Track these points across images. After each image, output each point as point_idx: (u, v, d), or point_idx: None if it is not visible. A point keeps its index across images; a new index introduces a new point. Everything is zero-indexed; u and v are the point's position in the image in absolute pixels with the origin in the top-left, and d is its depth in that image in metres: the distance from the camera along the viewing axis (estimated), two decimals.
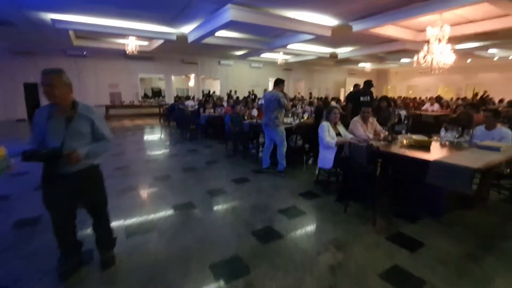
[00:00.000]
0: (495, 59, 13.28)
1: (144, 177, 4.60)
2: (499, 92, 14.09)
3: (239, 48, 12.33)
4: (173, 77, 15.94)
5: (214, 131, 8.08)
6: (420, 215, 3.10)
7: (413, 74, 18.84)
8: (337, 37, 9.60)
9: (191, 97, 13.63)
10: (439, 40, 7.55)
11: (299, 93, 17.16)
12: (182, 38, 9.72)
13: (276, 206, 3.41)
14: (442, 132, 3.58)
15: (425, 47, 7.87)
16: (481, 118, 4.35)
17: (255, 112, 6.45)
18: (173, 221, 3.06)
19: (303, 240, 2.66)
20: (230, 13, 6.79)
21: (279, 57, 13.20)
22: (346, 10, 7.19)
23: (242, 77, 16.17)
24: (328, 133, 3.68)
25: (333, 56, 12.81)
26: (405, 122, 6.15)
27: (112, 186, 4.06)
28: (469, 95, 15.04)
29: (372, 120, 4.03)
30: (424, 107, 9.44)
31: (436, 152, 3.12)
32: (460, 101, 11.60)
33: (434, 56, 7.77)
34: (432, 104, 9.30)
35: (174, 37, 9.68)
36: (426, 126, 8.50)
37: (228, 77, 15.95)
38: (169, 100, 14.46)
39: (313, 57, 13.03)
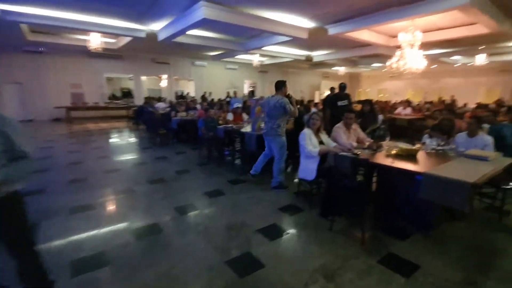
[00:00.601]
0: (457, 65, 13.98)
1: (103, 192, 3.98)
2: (461, 97, 14.87)
3: (214, 49, 11.82)
4: (144, 78, 15.01)
5: (187, 136, 7.51)
6: (409, 230, 2.86)
7: (384, 78, 19.45)
8: (313, 40, 9.47)
9: (163, 99, 12.87)
10: (411, 46, 7.65)
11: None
12: (152, 36, 9.04)
13: (254, 225, 3.01)
14: (427, 140, 3.40)
15: (398, 52, 7.95)
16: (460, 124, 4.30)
17: (230, 116, 6.01)
18: (133, 251, 2.54)
19: (287, 270, 2.28)
20: (203, 11, 6.31)
21: (255, 59, 12.88)
22: (323, 13, 7.02)
23: (217, 79, 15.64)
24: (310, 142, 3.35)
25: (309, 59, 12.73)
26: (383, 126, 6.10)
27: (61, 205, 3.45)
28: (435, 99, 15.76)
29: (355, 126, 3.79)
30: (397, 111, 9.58)
31: (424, 163, 2.91)
32: (428, 105, 12.01)
33: (406, 61, 7.86)
34: (404, 108, 9.45)
35: (143, 35, 8.96)
36: (401, 130, 8.59)
37: (203, 78, 15.34)
38: (139, 101, 13.55)
39: (289, 60, 12.87)
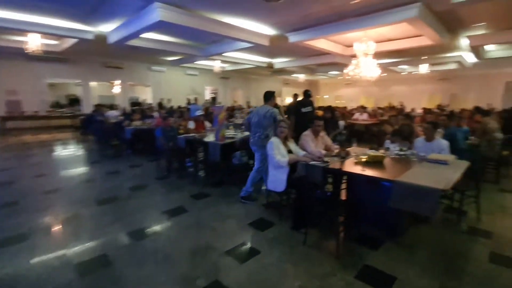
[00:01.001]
0: (404, 73, 15.26)
1: (39, 218, 3.34)
2: (407, 102, 16.24)
3: (172, 53, 11.27)
4: (94, 83, 13.74)
5: (143, 147, 6.89)
6: (380, 238, 2.81)
7: (340, 85, 20.51)
8: (274, 47, 9.53)
9: (115, 106, 11.88)
10: (366, 55, 8.08)
11: (235, 101, 16.77)
12: (102, 38, 8.26)
13: (222, 246, 2.71)
14: (391, 146, 3.45)
15: (354, 61, 8.34)
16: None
17: (191, 125, 5.62)
18: None
19: None
20: (159, 12, 5.90)
21: (216, 65, 12.60)
22: (283, 20, 7.06)
23: (177, 85, 14.97)
24: (279, 151, 3.18)
25: (270, 66, 12.82)
26: (344, 132, 6.25)
27: None
28: (385, 105, 16.98)
29: (323, 133, 3.72)
30: (354, 116, 10.01)
31: (391, 169, 2.91)
32: (381, 111, 12.83)
33: (361, 69, 8.27)
34: (361, 114, 9.92)
35: (91, 37, 8.15)
36: (359, 135, 8.96)
37: (161, 84, 14.56)
38: (88, 109, 12.33)
39: (251, 66, 12.83)
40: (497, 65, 12.85)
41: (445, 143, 3.56)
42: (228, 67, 14.09)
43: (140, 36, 8.23)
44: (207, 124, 5.95)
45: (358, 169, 2.79)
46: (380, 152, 3.38)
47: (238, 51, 10.07)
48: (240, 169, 4.43)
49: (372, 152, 3.08)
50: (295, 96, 8.39)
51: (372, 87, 18.54)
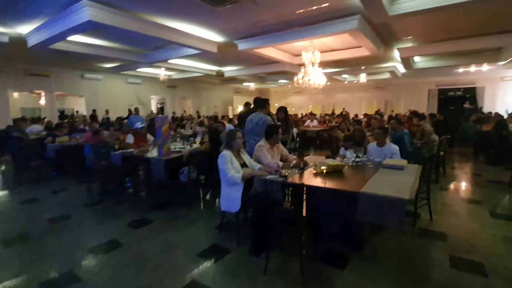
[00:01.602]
0: (346, 82, 16.35)
1: None
2: (349, 109, 17.43)
3: (110, 60, 10.14)
4: (15, 94, 11.67)
5: (72, 167, 5.82)
6: (345, 254, 2.61)
7: (289, 93, 21.14)
8: (223, 55, 9.25)
9: (43, 120, 10.19)
10: (313, 64, 8.31)
11: (184, 111, 15.93)
12: (19, 41, 6.98)
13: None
14: (347, 153, 3.35)
15: (302, 69, 8.52)
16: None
17: (130, 139, 4.90)
18: None
19: None
20: (87, 11, 5.12)
21: (161, 72, 11.78)
22: (231, 27, 6.81)
23: (116, 94, 13.56)
24: (232, 165, 2.80)
25: (220, 74, 12.47)
26: (298, 139, 6.21)
27: None
28: (330, 111, 17.98)
29: (279, 143, 3.46)
30: (306, 124, 10.20)
31: (352, 179, 2.76)
32: (328, 117, 13.45)
33: (310, 77, 8.48)
34: (312, 120, 10.16)
35: (6, 39, 6.83)
36: (311, 141, 9.11)
37: (97, 93, 13.02)
38: (5, 123, 10.33)
39: (199, 74, 12.29)
40: (422, 75, 14.54)
41: (395, 147, 3.61)
42: (175, 75, 13.31)
43: (68, 39, 7.19)
44: (151, 137, 5.28)
45: (319, 182, 2.56)
46: (338, 160, 3.25)
47: (185, 58, 9.52)
48: (189, 186, 3.91)
49: (331, 162, 2.90)
50: (247, 104, 8.16)
51: (319, 95, 19.48)
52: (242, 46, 7.95)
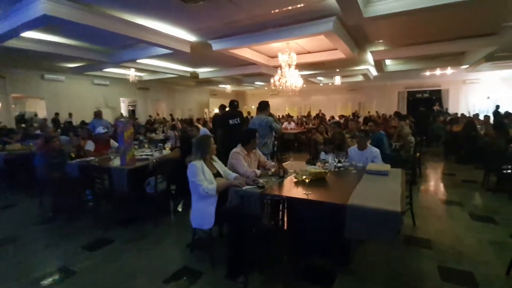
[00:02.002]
0: (321, 84, 16.51)
1: None
2: (325, 111, 17.63)
3: (73, 59, 9.31)
4: None
5: (24, 178, 5.09)
6: (332, 271, 2.36)
7: (266, 95, 20.96)
8: (197, 56, 8.87)
9: None
10: (289, 66, 8.16)
11: (158, 114, 15.16)
12: None
13: None
14: (329, 158, 3.14)
15: (279, 71, 8.35)
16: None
17: (90, 146, 4.34)
18: None
19: None
20: (42, 5, 4.54)
21: (131, 73, 11.07)
22: (205, 27, 6.46)
23: (81, 97, 12.54)
24: (204, 176, 2.46)
25: (194, 76, 11.99)
26: (276, 142, 5.99)
27: None
28: (306, 113, 18.10)
29: (256, 149, 3.16)
30: (283, 126, 10.02)
31: (336, 187, 2.54)
32: (304, 119, 13.44)
33: (287, 79, 8.33)
34: (289, 123, 10.01)
35: None
36: (289, 143, 8.94)
37: (59, 96, 11.95)
38: None
39: (173, 76, 11.72)
40: (392, 77, 15.04)
41: (376, 150, 3.47)
42: (146, 76, 12.61)
43: (24, 36, 6.48)
44: (115, 144, 4.75)
45: (301, 192, 2.29)
46: (319, 166, 3.02)
47: (156, 58, 8.99)
48: (157, 199, 3.48)
49: (313, 169, 2.65)
50: (222, 107, 7.81)
51: (295, 97, 19.54)
52: (216, 46, 7.60)
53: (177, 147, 3.82)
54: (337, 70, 12.30)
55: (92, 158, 4.08)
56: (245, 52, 8.60)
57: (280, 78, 8.36)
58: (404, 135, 5.01)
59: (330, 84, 15.97)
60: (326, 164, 3.06)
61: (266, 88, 18.24)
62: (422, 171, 5.61)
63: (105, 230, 3.25)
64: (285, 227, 2.25)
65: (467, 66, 11.43)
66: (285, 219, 2.24)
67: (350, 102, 18.88)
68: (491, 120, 7.91)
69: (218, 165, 2.73)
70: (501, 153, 4.55)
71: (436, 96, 16.54)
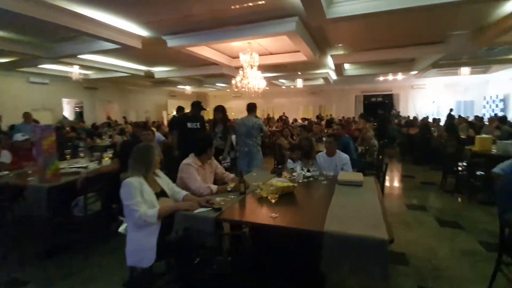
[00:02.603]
0: (283, 87, 16.49)
1: None
2: (287, 113, 17.69)
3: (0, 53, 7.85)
4: None
5: None
6: None
7: (229, 97, 20.45)
8: (152, 54, 8.10)
9: None
10: (251, 67, 7.79)
11: (109, 117, 13.71)
12: None
13: None
14: (297, 167, 2.75)
15: (241, 72, 7.95)
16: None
17: (6, 157, 3.40)
18: None
19: None
20: None
21: (74, 71, 9.75)
22: (158, 20, 5.76)
23: (14, 97, 10.74)
24: (142, 198, 1.88)
25: (149, 75, 11.01)
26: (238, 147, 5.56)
27: None
28: (266, 116, 17.97)
29: (211, 159, 2.65)
30: None
31: (307, 204, 2.15)
32: (265, 121, 13.19)
33: (249, 80, 7.95)
34: None
35: None
36: None
37: None
38: None
39: (125, 75, 10.61)
40: (350, 82, 15.58)
41: (345, 156, 3.19)
42: (93, 74, 11.27)
43: None
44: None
45: (266, 215, 1.84)
46: (286, 176, 2.62)
47: (103, 54, 7.98)
48: (89, 224, 2.76)
49: (280, 182, 2.23)
50: (180, 109, 7.13)
51: (258, 99, 19.29)
52: (172, 43, 6.90)
53: (117, 157, 3.11)
54: (299, 73, 12.29)
55: (7, 172, 3.20)
56: (204, 51, 8.02)
57: (242, 79, 7.95)
58: (367, 139, 4.91)
59: (292, 87, 16.01)
60: (294, 174, 2.67)
61: (228, 90, 17.73)
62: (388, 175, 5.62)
63: (18, 267, 2.46)
64: (249, 261, 1.79)
65: (416, 72, 12.23)
66: (249, 250, 1.78)
67: (311, 105, 19.22)
68: (441, 122, 8.37)
69: (163, 181, 2.16)
70: (454, 155, 4.65)
71: (388, 100, 17.58)
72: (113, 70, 10.22)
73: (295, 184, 2.26)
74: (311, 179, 2.69)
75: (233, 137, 6.03)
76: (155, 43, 7.09)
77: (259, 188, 2.20)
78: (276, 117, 16.19)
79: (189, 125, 4.87)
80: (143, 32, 6.51)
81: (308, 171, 2.75)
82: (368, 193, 2.23)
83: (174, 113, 15.33)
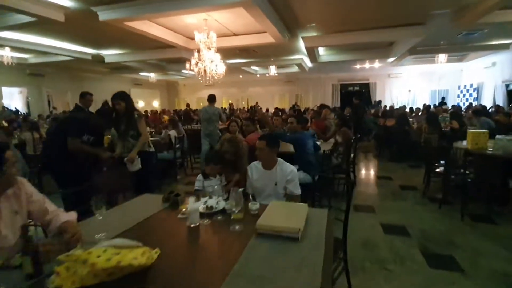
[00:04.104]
0: (258, 75, 15.22)
1: None
2: (262, 103, 16.55)
3: None
4: None
5: None
6: None
7: (200, 86, 18.83)
8: (98, 33, 6.90)
9: None
10: (208, 48, 6.52)
11: (54, 108, 11.87)
12: None
13: None
14: (207, 186, 1.61)
15: (196, 54, 6.66)
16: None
17: None
18: None
19: None
20: None
21: (5, 53, 8.08)
22: None
23: None
24: None
25: (98, 59, 9.39)
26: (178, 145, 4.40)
27: None
28: (245, 106, 16.80)
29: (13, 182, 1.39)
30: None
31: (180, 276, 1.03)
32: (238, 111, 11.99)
33: (205, 64, 6.68)
34: None
35: None
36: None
37: None
38: None
39: (69, 58, 8.94)
40: (326, 70, 14.59)
41: (292, 170, 2.06)
42: (32, 58, 9.50)
43: None
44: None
45: None
46: (183, 211, 1.48)
47: (20, 30, 6.43)
48: None
49: (123, 243, 1.06)
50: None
51: (231, 88, 18.01)
52: (104, 15, 5.47)
53: None
54: (272, 59, 11.09)
55: None
56: (153, 29, 6.63)
57: (197, 62, 6.66)
58: (346, 135, 3.83)
59: (267, 75, 14.76)
60: (190, 208, 1.51)
61: (200, 79, 16.21)
62: (356, 174, 4.61)
63: None
64: None
65: (393, 59, 11.38)
66: None
67: (288, 94, 18.14)
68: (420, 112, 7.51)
69: None
70: (438, 151, 3.73)
71: (365, 89, 16.82)
72: (53, 54, 8.55)
73: (154, 255, 1.09)
74: (220, 217, 1.55)
75: (172, 132, 4.81)
76: (83, 16, 5.66)
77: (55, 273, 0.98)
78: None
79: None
80: (67, 1, 5.08)
81: (226, 199, 1.62)
82: (313, 252, 1.13)
83: (141, 103, 13.72)
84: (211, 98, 5.67)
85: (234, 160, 2.04)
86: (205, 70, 6.78)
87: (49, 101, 13.25)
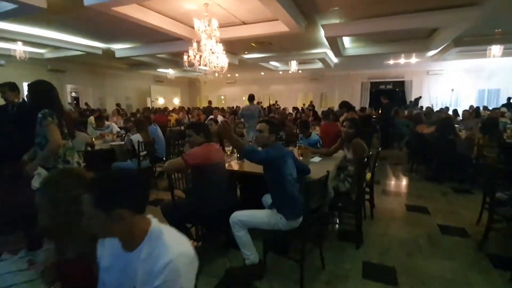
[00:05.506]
0: (280, 72, 13.95)
1: None
2: (285, 101, 15.34)
3: None
4: None
5: None
6: None
7: (222, 84, 18.19)
8: (102, 25, 6.42)
9: None
10: (210, 37, 5.56)
11: (86, 104, 11.76)
12: None
13: None
14: None
15: (195, 45, 5.73)
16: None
17: None
18: None
19: None
20: None
21: (17, 48, 7.94)
22: None
23: None
24: None
25: (109, 53, 8.93)
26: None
27: None
28: (266, 104, 15.67)
29: None
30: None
31: None
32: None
33: (204, 54, 5.73)
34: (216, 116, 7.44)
35: None
36: None
37: None
38: None
39: (80, 53, 8.58)
40: (354, 66, 12.94)
41: (166, 265, 0.84)
42: (47, 53, 9.35)
43: None
44: None
45: None
46: None
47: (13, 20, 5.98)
48: None
49: None
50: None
51: (253, 86, 16.97)
52: (89, 0, 4.77)
53: None
54: (291, 53, 9.85)
55: None
56: (149, 16, 5.82)
57: (195, 54, 5.72)
58: (359, 149, 2.61)
59: (289, 72, 13.48)
60: None
61: (221, 76, 15.42)
62: (376, 202, 3.24)
63: None
64: None
65: (434, 52, 9.48)
66: None
67: (312, 93, 16.64)
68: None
69: None
70: (508, 175, 2.35)
71: (399, 88, 14.76)
72: (64, 48, 8.25)
73: None
74: None
75: (136, 136, 3.83)
76: (68, 2, 4.99)
77: None
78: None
79: None
80: None
81: None
82: None
83: (161, 100, 13.13)
84: (251, 97, 6.28)
85: None
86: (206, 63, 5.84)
87: (76, 98, 13.37)
